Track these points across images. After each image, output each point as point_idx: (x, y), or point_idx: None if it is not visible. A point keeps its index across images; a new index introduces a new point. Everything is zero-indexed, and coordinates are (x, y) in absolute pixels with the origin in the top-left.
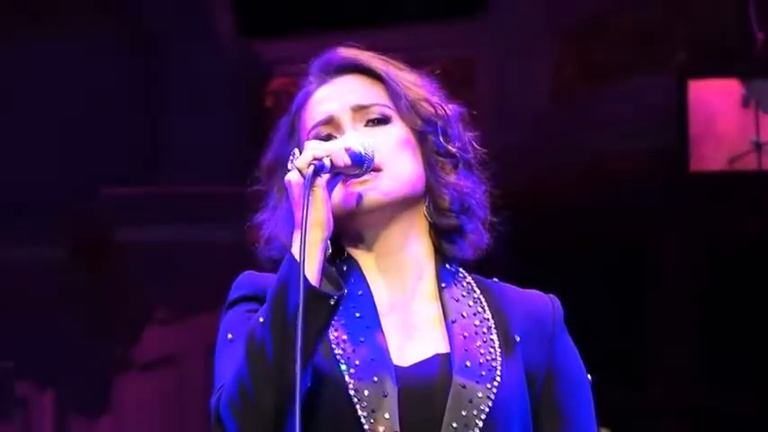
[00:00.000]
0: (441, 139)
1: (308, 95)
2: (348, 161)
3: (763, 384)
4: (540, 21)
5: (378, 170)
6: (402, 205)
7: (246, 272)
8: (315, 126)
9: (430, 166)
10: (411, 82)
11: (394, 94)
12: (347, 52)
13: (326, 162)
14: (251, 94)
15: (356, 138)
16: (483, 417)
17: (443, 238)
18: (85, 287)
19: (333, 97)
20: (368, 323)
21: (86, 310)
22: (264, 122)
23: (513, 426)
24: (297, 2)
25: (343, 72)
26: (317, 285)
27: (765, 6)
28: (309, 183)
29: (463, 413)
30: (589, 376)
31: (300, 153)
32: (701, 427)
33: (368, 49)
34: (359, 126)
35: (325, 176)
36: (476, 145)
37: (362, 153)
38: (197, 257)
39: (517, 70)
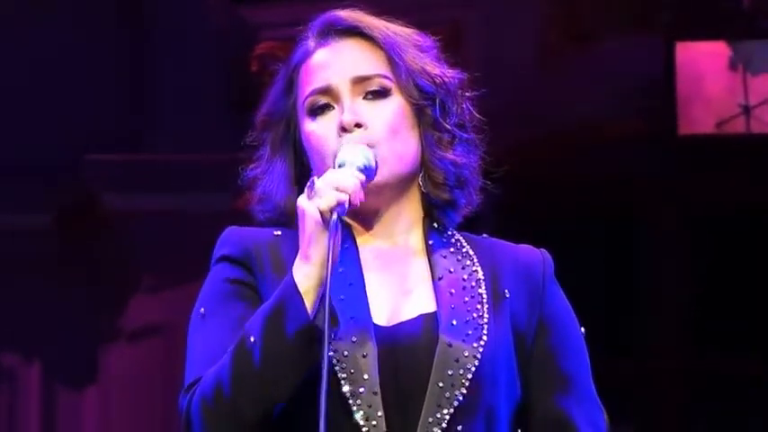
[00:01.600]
0: (438, 113)
1: (306, 54)
2: (363, 197)
3: (751, 351)
4: None
5: (374, 148)
6: (399, 184)
7: (231, 228)
8: (312, 93)
9: (426, 140)
10: (412, 47)
11: (394, 64)
12: (349, 15)
13: (347, 204)
14: (238, 59)
15: (360, 152)
16: (469, 376)
17: (436, 208)
18: (72, 256)
19: (333, 65)
20: (350, 279)
21: (73, 280)
22: (250, 88)
23: (500, 384)
24: None
25: (344, 35)
26: (312, 316)
27: None
28: (335, 229)
29: (449, 372)
30: (582, 329)
31: (318, 180)
32: (692, 397)
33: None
34: (357, 98)
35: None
36: (474, 112)
37: (368, 166)
38: (184, 226)
39: (503, 33)
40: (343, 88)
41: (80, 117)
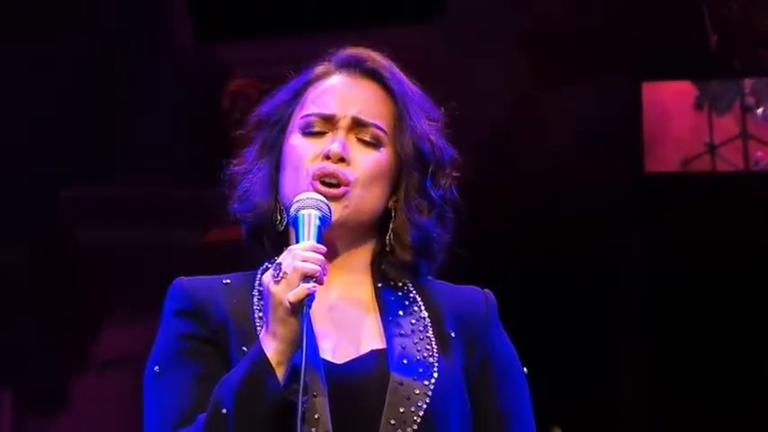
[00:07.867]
0: (427, 181)
1: (324, 75)
2: (326, 271)
3: (720, 387)
4: (495, 25)
5: (347, 186)
6: (354, 229)
7: (178, 279)
8: (314, 116)
9: (407, 201)
10: (421, 113)
11: (401, 118)
12: (374, 58)
13: (316, 291)
14: (208, 96)
15: (315, 203)
16: (420, 413)
17: (392, 266)
18: (44, 288)
19: (343, 97)
20: None
21: (45, 311)
22: (221, 124)
23: (452, 421)
24: (252, 5)
25: (365, 74)
26: (283, 385)
27: (718, 8)
28: (307, 320)
29: (401, 410)
30: (525, 369)
31: (285, 263)
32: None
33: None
34: (351, 137)
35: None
36: (456, 194)
37: (324, 217)
38: (155, 258)
39: (472, 74)
40: (343, 123)
41: (52, 152)
